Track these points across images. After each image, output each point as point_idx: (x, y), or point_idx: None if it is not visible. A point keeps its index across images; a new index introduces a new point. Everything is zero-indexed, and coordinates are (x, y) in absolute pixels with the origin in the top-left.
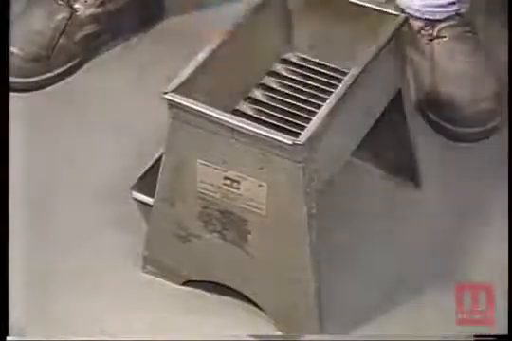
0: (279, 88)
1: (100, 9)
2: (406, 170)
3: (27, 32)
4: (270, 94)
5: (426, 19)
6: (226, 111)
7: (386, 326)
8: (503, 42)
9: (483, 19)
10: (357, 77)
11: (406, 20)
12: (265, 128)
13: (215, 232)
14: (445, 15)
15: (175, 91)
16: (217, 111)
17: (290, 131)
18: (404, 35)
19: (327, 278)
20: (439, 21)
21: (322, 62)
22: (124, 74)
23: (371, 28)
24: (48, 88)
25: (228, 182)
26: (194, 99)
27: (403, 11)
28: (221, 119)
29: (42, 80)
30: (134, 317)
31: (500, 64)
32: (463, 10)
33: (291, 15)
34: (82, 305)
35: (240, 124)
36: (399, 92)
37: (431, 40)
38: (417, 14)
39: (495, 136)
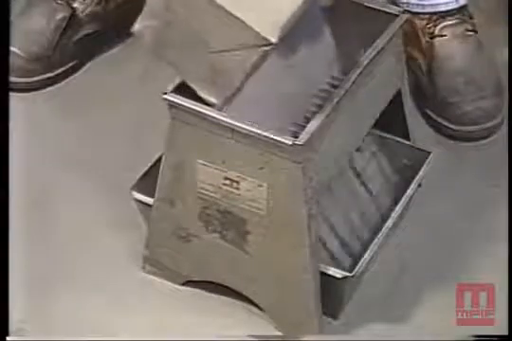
0: None
1: (98, 8)
2: None
3: (27, 32)
4: None
5: (428, 13)
6: None
7: (386, 326)
8: (504, 42)
9: (483, 19)
10: (358, 77)
11: (406, 20)
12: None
13: (215, 232)
14: (448, 7)
15: (175, 91)
16: (217, 111)
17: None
18: (404, 34)
19: None
20: (442, 17)
21: None
22: (125, 74)
23: (371, 28)
24: (48, 88)
25: (227, 182)
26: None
27: (403, 10)
28: (221, 120)
29: (42, 80)
30: (134, 317)
31: (500, 64)
32: (464, 2)
33: None
34: (83, 305)
35: (240, 124)
36: (399, 92)
37: (432, 38)
38: (418, 9)
39: (495, 136)
